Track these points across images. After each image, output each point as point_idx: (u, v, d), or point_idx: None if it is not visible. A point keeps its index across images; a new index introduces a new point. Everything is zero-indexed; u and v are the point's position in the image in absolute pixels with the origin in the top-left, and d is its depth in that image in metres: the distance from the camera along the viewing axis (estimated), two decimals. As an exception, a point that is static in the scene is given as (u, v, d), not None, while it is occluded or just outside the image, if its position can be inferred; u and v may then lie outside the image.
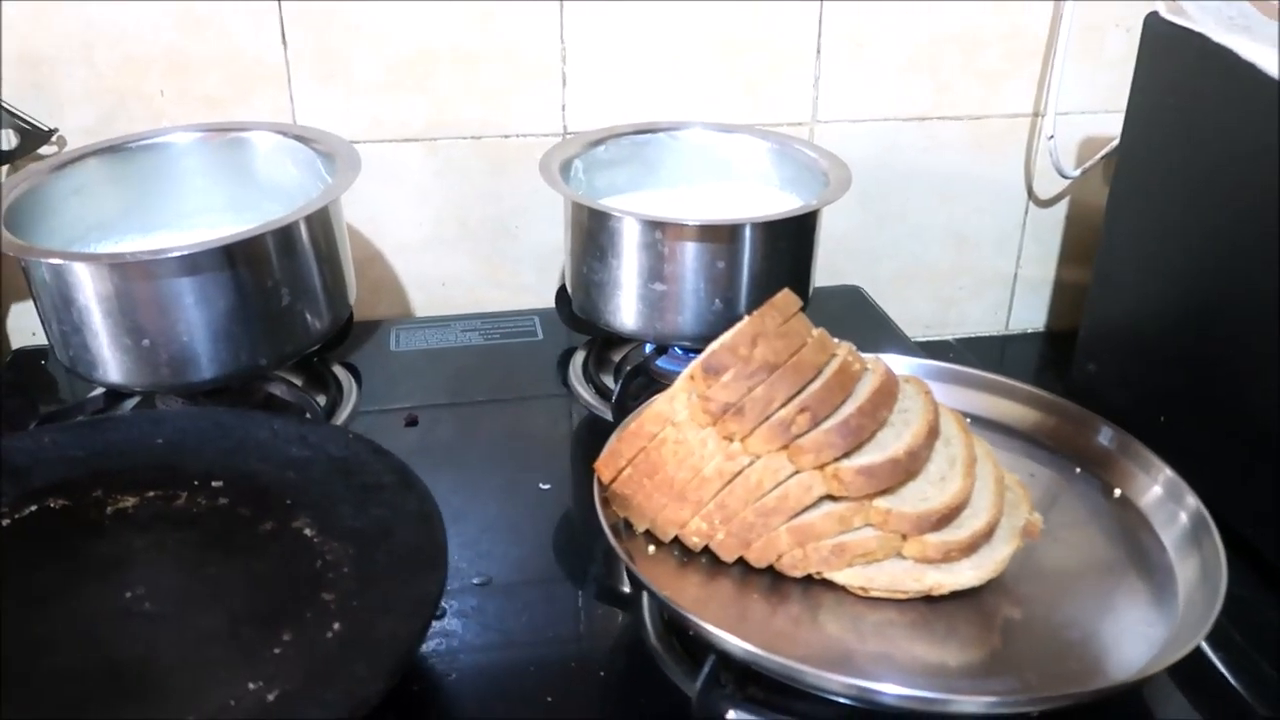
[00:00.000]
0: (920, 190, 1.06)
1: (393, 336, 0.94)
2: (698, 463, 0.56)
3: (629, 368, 0.82)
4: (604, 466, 0.60)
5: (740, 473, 0.56)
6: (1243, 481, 0.70)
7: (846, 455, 0.55)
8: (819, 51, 0.98)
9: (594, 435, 0.77)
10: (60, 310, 0.70)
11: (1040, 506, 0.63)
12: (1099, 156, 1.05)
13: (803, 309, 0.61)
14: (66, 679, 0.50)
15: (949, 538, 0.54)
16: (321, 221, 0.76)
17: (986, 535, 0.56)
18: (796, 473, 0.55)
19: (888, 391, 0.57)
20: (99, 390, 0.77)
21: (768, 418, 0.55)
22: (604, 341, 0.91)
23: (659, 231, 0.75)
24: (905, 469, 0.54)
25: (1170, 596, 0.57)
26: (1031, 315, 1.15)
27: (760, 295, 0.76)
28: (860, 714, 0.54)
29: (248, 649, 0.52)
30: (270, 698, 0.48)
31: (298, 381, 0.85)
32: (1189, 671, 0.56)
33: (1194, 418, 0.77)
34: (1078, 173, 1.06)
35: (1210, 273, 0.74)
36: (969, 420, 0.71)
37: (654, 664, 0.59)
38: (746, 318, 0.58)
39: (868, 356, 0.61)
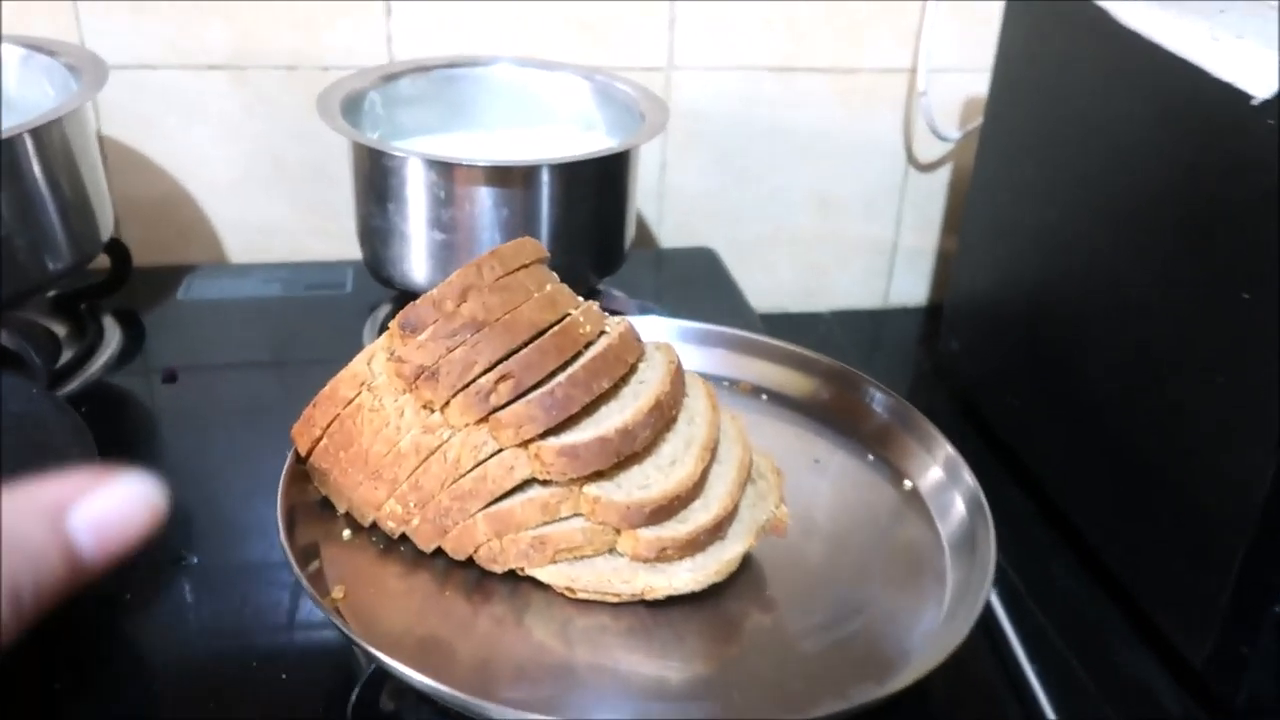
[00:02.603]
0: (783, 148, 0.98)
1: (184, 284, 0.86)
2: (394, 434, 0.49)
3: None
4: (299, 435, 0.52)
5: (436, 449, 0.48)
6: (1078, 470, 0.64)
7: (553, 432, 0.47)
8: (673, -10, 0.89)
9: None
10: None
11: (817, 495, 0.56)
12: (982, 120, 0.97)
13: (545, 261, 0.53)
14: None
15: (664, 533, 0.47)
16: (55, 142, 0.67)
17: (715, 532, 0.48)
18: (498, 451, 0.47)
19: (613, 358, 0.49)
20: None
21: (466, 385, 0.47)
22: (411, 297, 0.82)
23: (439, 173, 0.67)
24: (615, 450, 0.47)
25: (936, 601, 0.50)
26: (912, 288, 1.08)
27: (563, 247, 0.68)
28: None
29: None
30: None
31: (59, 329, 0.77)
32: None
33: (1040, 401, 0.70)
34: (959, 135, 0.98)
35: (1066, 247, 0.67)
36: (763, 396, 0.63)
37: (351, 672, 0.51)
38: (461, 267, 0.50)
39: (614, 319, 0.53)
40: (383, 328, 0.78)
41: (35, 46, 0.74)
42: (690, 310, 0.88)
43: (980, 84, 0.97)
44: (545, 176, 0.68)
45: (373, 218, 0.71)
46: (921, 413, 0.58)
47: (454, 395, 0.47)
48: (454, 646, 0.47)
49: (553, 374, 0.48)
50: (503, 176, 0.67)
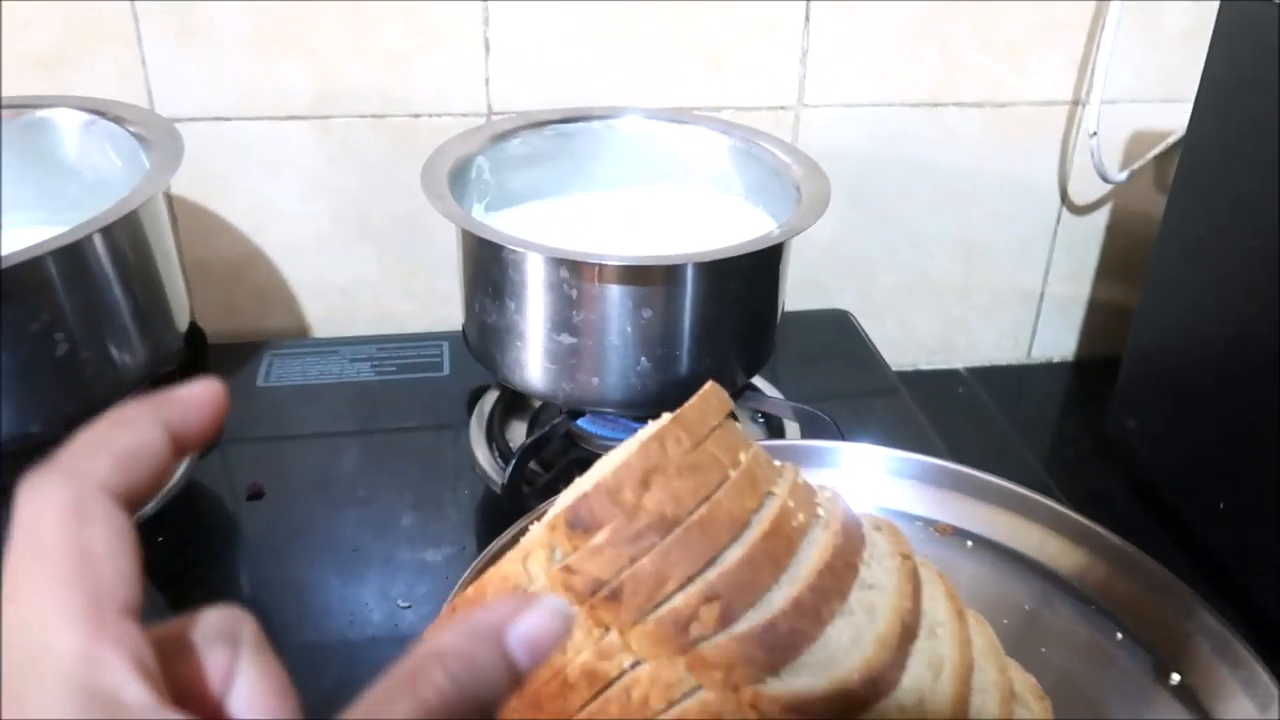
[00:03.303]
0: (927, 191, 0.86)
1: (265, 366, 0.76)
2: (559, 657, 0.38)
3: (536, 431, 0.64)
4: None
5: (617, 679, 0.37)
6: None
7: (773, 672, 0.36)
8: (808, 18, 0.78)
9: (495, 523, 0.59)
10: None
11: (1061, 690, 0.45)
12: (1151, 155, 0.85)
13: (732, 415, 0.42)
14: None
15: (919, 802, 0.36)
16: (129, 235, 0.57)
17: (977, 789, 0.38)
18: (697, 689, 0.37)
19: (842, 566, 0.38)
20: None
21: (657, 606, 0.37)
22: (522, 394, 0.72)
23: (567, 270, 0.56)
24: (860, 702, 0.36)
25: None
26: (1059, 341, 0.97)
27: (710, 349, 0.57)
28: None
29: None
30: None
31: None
32: None
33: (1266, 507, 0.58)
34: (1124, 175, 0.86)
35: None
36: (968, 543, 0.53)
37: None
38: (639, 438, 0.39)
39: (825, 493, 0.42)
40: (490, 422, 0.69)
41: (99, 111, 0.64)
42: (833, 383, 0.78)
43: (1150, 115, 0.85)
44: (691, 274, 0.57)
45: (485, 313, 0.61)
46: (1225, 625, 0.46)
47: (640, 619, 0.37)
48: None
49: (764, 591, 0.37)
50: (642, 275, 0.56)
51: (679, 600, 0.37)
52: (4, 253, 0.51)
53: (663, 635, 0.37)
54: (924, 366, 0.95)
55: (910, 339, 0.93)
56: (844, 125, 0.82)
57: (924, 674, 0.38)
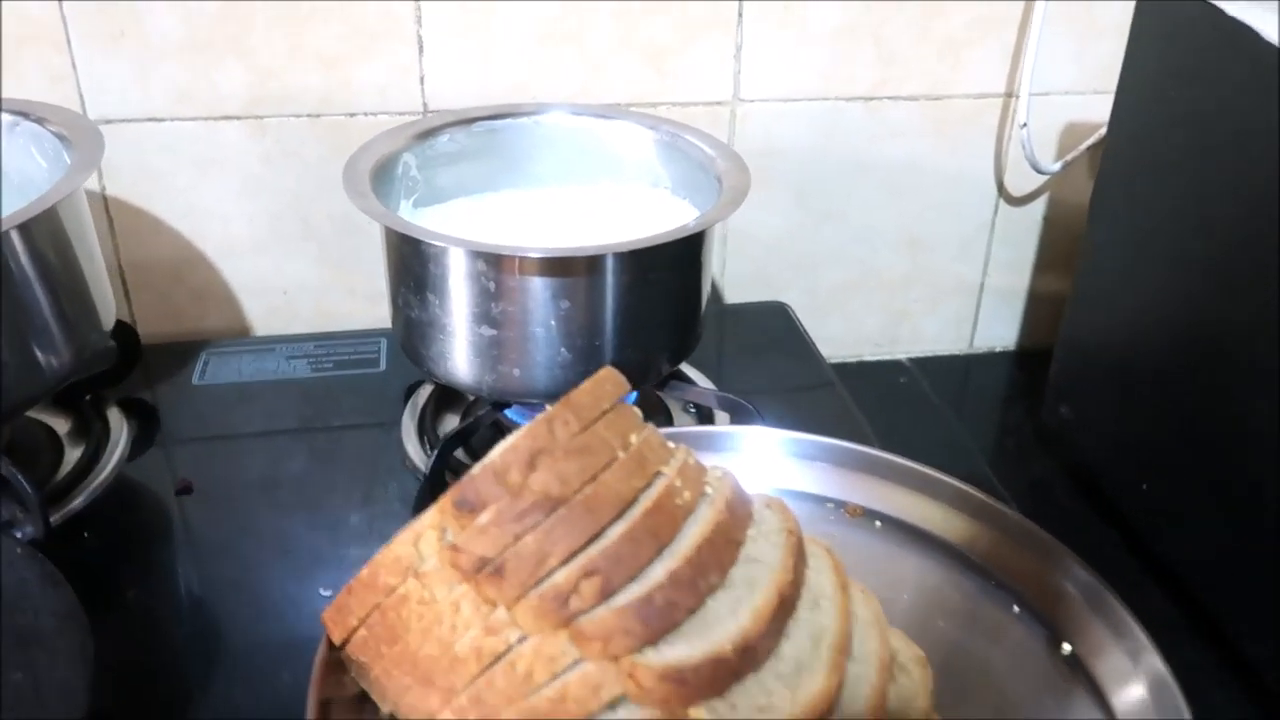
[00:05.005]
0: (867, 185, 0.87)
1: (200, 364, 0.77)
2: (448, 633, 0.39)
3: (460, 423, 0.64)
4: (332, 621, 0.42)
5: (503, 654, 0.38)
6: (1247, 583, 0.53)
7: (651, 643, 0.37)
8: (740, 15, 0.78)
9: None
10: None
11: (954, 660, 0.46)
12: (1083, 147, 0.87)
13: (626, 396, 0.43)
14: None
15: (796, 768, 0.37)
16: (46, 232, 0.58)
17: (855, 757, 0.38)
18: (579, 662, 0.38)
19: (723, 541, 0.39)
20: None
21: (539, 582, 0.37)
22: (453, 390, 0.73)
23: (485, 263, 0.57)
24: (733, 671, 0.37)
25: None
26: (1001, 331, 0.98)
27: (633, 340, 0.58)
28: None
29: None
30: None
31: (61, 425, 0.69)
32: None
33: (1188, 488, 0.59)
34: (1057, 166, 0.87)
35: (1218, 295, 0.56)
36: (877, 523, 0.54)
37: None
38: (526, 424, 0.40)
39: (714, 473, 0.43)
40: (423, 416, 0.69)
41: (21, 112, 0.65)
42: (759, 372, 0.79)
43: (1081, 108, 0.87)
44: (611, 264, 0.58)
45: (409, 307, 0.61)
46: (1112, 590, 0.47)
47: (524, 594, 0.38)
48: None
49: (645, 566, 0.38)
50: (563, 266, 0.57)
51: (560, 576, 0.37)
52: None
53: (544, 610, 0.37)
54: (868, 358, 0.96)
55: (855, 331, 0.94)
56: (782, 120, 0.83)
57: (805, 643, 0.39)
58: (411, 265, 0.59)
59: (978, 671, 0.46)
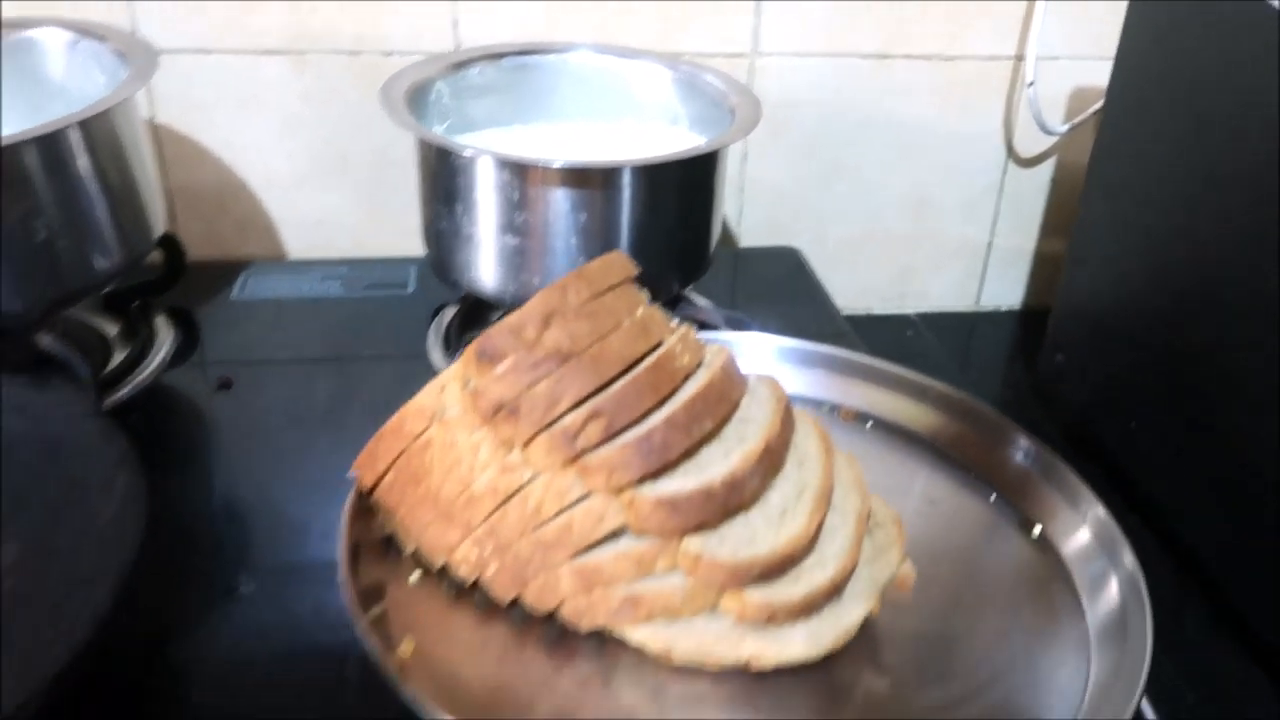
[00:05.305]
0: (878, 142, 0.91)
1: (240, 281, 0.81)
2: (468, 473, 0.43)
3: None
4: (362, 468, 0.47)
5: (517, 491, 0.42)
6: (1221, 517, 0.57)
7: (650, 478, 0.41)
8: (762, -32, 0.82)
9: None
10: None
11: (934, 542, 0.50)
12: (1090, 111, 0.90)
13: (634, 279, 0.47)
14: None
15: (776, 595, 0.41)
16: (106, 134, 0.63)
17: (831, 593, 0.42)
18: (586, 496, 0.42)
19: (716, 396, 0.43)
20: None
21: (550, 424, 0.42)
22: (479, 299, 0.77)
23: (512, 174, 0.61)
24: (721, 503, 0.41)
25: (1078, 681, 0.44)
26: (1007, 291, 1.01)
27: (645, 254, 0.62)
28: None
29: None
30: None
31: (110, 328, 0.73)
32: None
33: (1167, 430, 0.63)
34: (1064, 128, 0.90)
35: (1201, 251, 0.60)
36: (868, 424, 0.57)
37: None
38: (543, 288, 0.44)
39: (713, 344, 0.47)
40: (448, 333, 0.74)
41: (83, 31, 0.70)
42: (772, 315, 0.83)
43: (1090, 72, 0.90)
44: (627, 178, 0.62)
45: (439, 219, 0.66)
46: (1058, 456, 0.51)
47: (537, 434, 0.42)
48: (533, 707, 0.42)
49: (647, 412, 0.42)
50: (582, 178, 0.61)
51: (569, 418, 0.42)
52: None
53: (554, 447, 0.41)
54: (877, 311, 0.99)
55: (863, 284, 0.98)
56: (797, 74, 0.87)
57: (790, 493, 0.43)
58: (443, 178, 0.64)
59: (954, 551, 0.50)
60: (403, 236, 0.88)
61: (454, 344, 0.73)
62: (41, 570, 0.44)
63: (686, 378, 0.44)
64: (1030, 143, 0.93)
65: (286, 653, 0.49)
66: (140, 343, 0.72)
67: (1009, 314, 1.02)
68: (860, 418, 0.59)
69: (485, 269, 0.65)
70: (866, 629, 0.45)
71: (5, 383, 0.54)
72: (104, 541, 0.44)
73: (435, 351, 0.72)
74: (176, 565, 0.55)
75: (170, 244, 0.75)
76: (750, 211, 0.93)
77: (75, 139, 0.61)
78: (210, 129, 0.84)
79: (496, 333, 0.43)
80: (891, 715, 0.42)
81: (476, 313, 0.77)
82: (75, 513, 0.46)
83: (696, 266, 0.69)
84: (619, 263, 0.47)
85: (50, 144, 0.59)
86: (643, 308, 0.46)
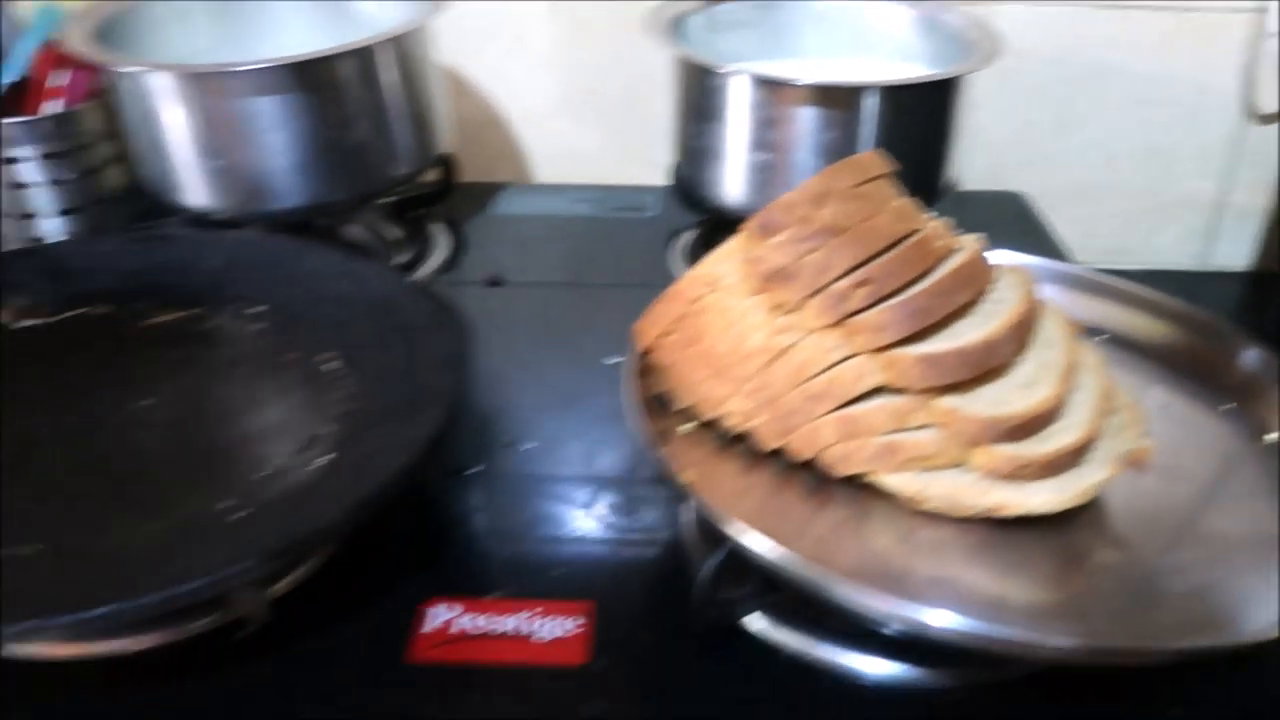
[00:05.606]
0: (1109, 92, 0.92)
1: (501, 198, 0.90)
2: (741, 334, 0.49)
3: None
4: (642, 330, 0.53)
5: (786, 350, 0.48)
6: None
7: (910, 341, 0.46)
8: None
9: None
10: (138, 124, 0.68)
11: (1166, 442, 0.52)
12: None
13: (894, 175, 0.52)
14: (48, 469, 0.50)
15: (1025, 451, 0.45)
16: (406, 55, 0.72)
17: (1075, 455, 0.46)
18: (850, 356, 0.47)
19: (972, 272, 0.47)
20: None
21: (822, 288, 0.47)
22: (716, 224, 0.83)
23: (766, 91, 0.67)
24: (976, 362, 0.45)
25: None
26: (1237, 250, 0.99)
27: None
28: (891, 641, 0.47)
29: (232, 469, 0.49)
30: (234, 518, 0.46)
31: (396, 233, 0.83)
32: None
33: None
34: (1311, 82, 0.89)
35: None
36: (1103, 337, 0.60)
37: (682, 555, 0.53)
38: (816, 174, 0.49)
39: (968, 237, 0.51)
40: (687, 251, 0.80)
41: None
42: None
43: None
44: (872, 99, 0.66)
45: (693, 137, 0.72)
46: None
47: (808, 297, 0.47)
48: (792, 546, 0.47)
49: (909, 284, 0.47)
50: (829, 97, 0.66)
51: (839, 284, 0.47)
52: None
53: (824, 309, 0.47)
54: (1098, 267, 1.00)
55: (1085, 237, 0.98)
56: (1033, 22, 0.89)
57: (1037, 369, 0.47)
58: (698, 96, 0.70)
59: (1187, 452, 0.52)
60: (643, 168, 0.95)
61: (691, 260, 0.79)
62: (383, 398, 0.53)
63: (942, 259, 0.48)
64: (1270, 97, 0.91)
65: (551, 494, 0.57)
66: (419, 247, 0.81)
67: (1237, 275, 1.00)
68: (1090, 331, 0.61)
69: (733, 184, 0.71)
70: (1104, 504, 0.48)
71: (335, 256, 0.64)
72: (436, 371, 0.53)
73: (676, 266, 0.79)
74: (459, 424, 0.63)
75: (446, 162, 0.84)
76: (974, 157, 0.95)
77: (385, 56, 0.70)
78: (478, 66, 0.92)
79: (775, 209, 0.49)
80: (1121, 578, 0.46)
81: (712, 236, 0.83)
82: (407, 351, 0.55)
83: (931, 194, 0.73)
84: (879, 159, 0.51)
85: (364, 57, 0.69)
86: (899, 199, 0.51)
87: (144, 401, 0.54)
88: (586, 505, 0.56)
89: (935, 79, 0.66)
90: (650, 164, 0.94)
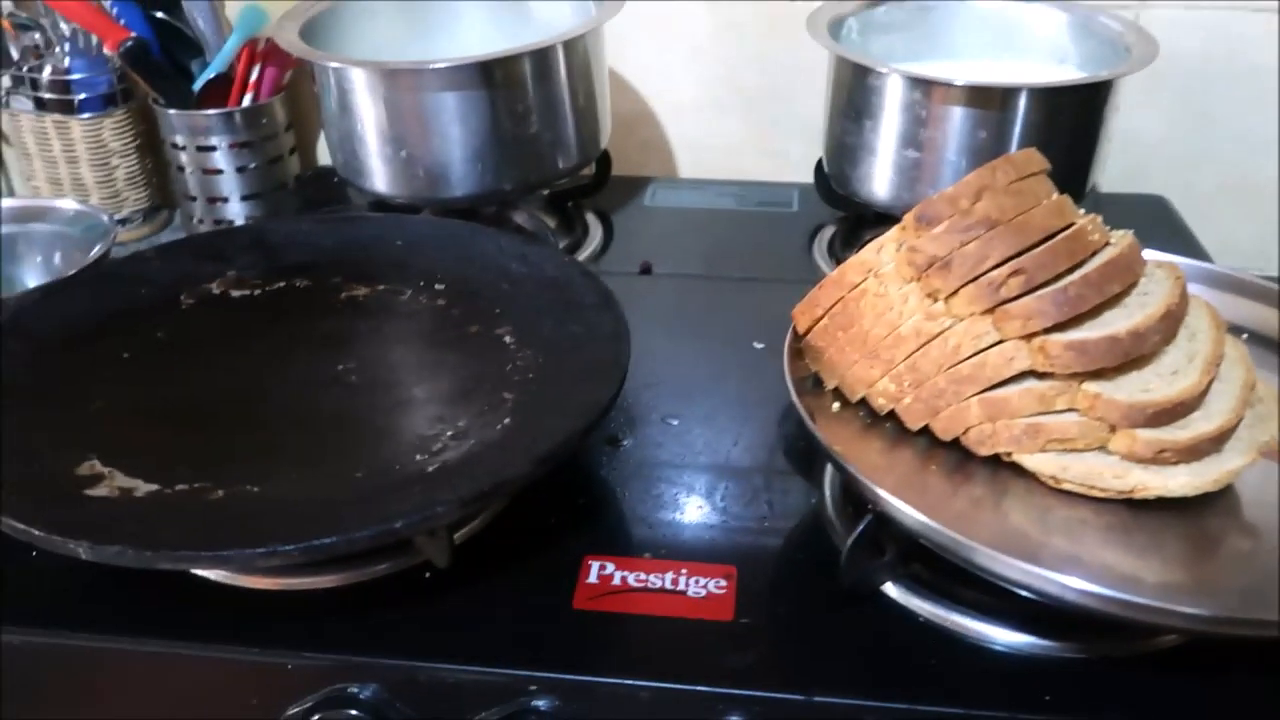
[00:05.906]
0: (1259, 95, 0.91)
1: (649, 191, 0.95)
2: (895, 319, 0.52)
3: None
4: (801, 314, 0.57)
5: (939, 334, 0.51)
6: None
7: (1059, 328, 0.49)
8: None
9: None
10: (337, 116, 0.75)
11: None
12: None
13: (1047, 173, 0.54)
14: (266, 421, 0.57)
15: (1164, 436, 0.47)
16: (579, 55, 0.77)
17: (1215, 442, 0.48)
18: (1000, 341, 0.50)
19: (1125, 265, 0.50)
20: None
21: (976, 277, 0.50)
22: (858, 219, 0.86)
23: (919, 91, 0.70)
24: (1124, 350, 0.48)
25: None
26: (1386, 261, 0.98)
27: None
28: (1029, 608, 0.50)
29: (425, 426, 0.55)
30: (430, 469, 0.51)
31: (551, 221, 0.88)
32: None
33: None
34: None
35: None
36: (1245, 336, 0.62)
37: (823, 527, 0.57)
38: (976, 169, 0.52)
39: (1119, 233, 0.53)
40: (829, 247, 0.83)
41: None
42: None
43: None
44: (1024, 100, 0.69)
45: (846, 134, 0.75)
46: None
47: (964, 285, 0.50)
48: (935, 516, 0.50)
49: (1061, 275, 0.49)
50: (982, 98, 0.69)
51: (994, 273, 0.50)
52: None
53: (978, 296, 0.50)
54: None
55: (1225, 241, 0.98)
56: (1181, 24, 0.89)
57: (1182, 358, 0.49)
58: (853, 93, 0.73)
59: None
60: (782, 164, 0.98)
61: (838, 255, 0.83)
62: (557, 368, 0.58)
63: (1095, 253, 0.51)
64: None
65: (695, 465, 0.61)
66: (576, 235, 0.86)
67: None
68: (1234, 329, 0.62)
69: (881, 180, 0.74)
70: (1240, 492, 0.50)
71: (507, 239, 0.69)
72: (603, 345, 0.57)
73: (819, 260, 0.82)
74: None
75: (602, 155, 0.89)
76: (1115, 158, 0.96)
77: (562, 56, 0.75)
78: (627, 60, 0.97)
79: (935, 201, 0.52)
80: (1252, 566, 0.47)
81: (855, 231, 0.86)
82: (577, 327, 0.60)
83: (1075, 195, 0.74)
84: (1036, 156, 0.54)
85: (544, 57, 0.74)
86: (1055, 194, 0.53)
87: (344, 365, 0.60)
88: (728, 478, 0.60)
89: (1090, 81, 0.68)
90: (789, 160, 0.97)
